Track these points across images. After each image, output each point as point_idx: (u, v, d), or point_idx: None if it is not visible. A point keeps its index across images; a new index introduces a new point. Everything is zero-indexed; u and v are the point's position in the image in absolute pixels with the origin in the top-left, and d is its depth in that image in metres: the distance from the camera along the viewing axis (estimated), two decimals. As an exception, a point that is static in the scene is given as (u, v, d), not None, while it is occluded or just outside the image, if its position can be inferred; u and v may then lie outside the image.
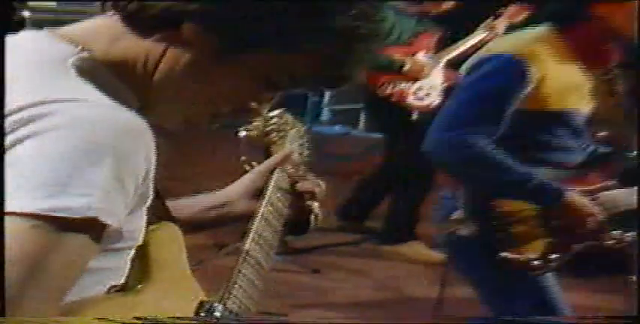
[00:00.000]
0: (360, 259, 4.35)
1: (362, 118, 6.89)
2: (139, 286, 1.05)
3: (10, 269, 0.84)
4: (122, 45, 1.03)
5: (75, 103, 0.92)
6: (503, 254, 2.27)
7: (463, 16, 4.33)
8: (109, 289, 1.02)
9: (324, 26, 1.02)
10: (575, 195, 2.28)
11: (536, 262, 2.28)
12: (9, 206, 0.85)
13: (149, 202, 0.99)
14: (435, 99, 4.29)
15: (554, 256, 2.30)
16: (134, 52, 1.03)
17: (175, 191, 1.36)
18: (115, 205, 0.91)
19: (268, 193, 1.37)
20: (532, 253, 2.29)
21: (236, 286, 1.19)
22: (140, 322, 0.90)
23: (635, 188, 2.37)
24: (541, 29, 2.35)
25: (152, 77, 1.03)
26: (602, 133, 2.49)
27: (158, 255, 1.07)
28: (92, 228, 0.89)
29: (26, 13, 5.50)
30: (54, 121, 0.89)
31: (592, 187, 2.34)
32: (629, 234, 2.36)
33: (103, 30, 1.04)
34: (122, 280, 1.04)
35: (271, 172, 1.42)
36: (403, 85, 4.26)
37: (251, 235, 1.27)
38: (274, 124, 1.50)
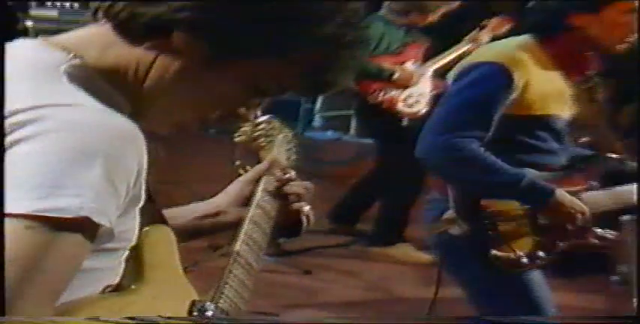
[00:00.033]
0: (351, 261, 4.35)
1: (353, 124, 6.89)
2: (133, 287, 1.05)
3: (7, 269, 0.84)
4: (114, 53, 1.03)
5: (67, 107, 0.92)
6: (494, 252, 2.28)
7: (449, 28, 4.36)
8: (104, 289, 1.02)
9: (310, 33, 1.02)
10: (564, 194, 2.29)
11: (524, 260, 2.29)
12: (5, 207, 0.85)
13: (141, 204, 0.99)
14: (423, 106, 4.31)
15: (541, 254, 2.31)
16: (125, 59, 1.03)
17: (170, 195, 1.36)
18: (107, 206, 0.91)
19: (257, 196, 1.37)
20: (520, 251, 2.30)
21: (227, 286, 1.19)
22: (134, 322, 0.90)
23: (616, 189, 2.39)
24: (524, 38, 2.37)
25: (143, 84, 1.03)
26: (584, 139, 2.50)
27: (151, 256, 1.06)
28: (85, 228, 0.89)
29: (29, 23, 5.50)
30: (46, 125, 0.89)
31: (576, 188, 2.35)
32: (611, 233, 2.37)
33: (95, 38, 1.04)
34: (116, 281, 1.03)
35: (258, 178, 1.42)
36: (393, 92, 4.27)
37: (241, 237, 1.28)
38: (262, 129, 1.50)
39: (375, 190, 4.61)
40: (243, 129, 1.48)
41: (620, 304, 3.16)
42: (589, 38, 2.30)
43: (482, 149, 2.24)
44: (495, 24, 4.27)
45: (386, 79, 4.23)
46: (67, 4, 5.51)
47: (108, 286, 1.02)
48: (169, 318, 1.00)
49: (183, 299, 1.13)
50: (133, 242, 1.03)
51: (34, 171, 0.87)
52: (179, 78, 1.03)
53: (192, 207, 1.42)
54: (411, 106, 4.30)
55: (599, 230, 2.35)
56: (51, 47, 1.03)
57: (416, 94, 4.32)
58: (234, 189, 1.43)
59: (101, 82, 1.01)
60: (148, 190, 1.00)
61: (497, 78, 2.25)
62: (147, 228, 1.05)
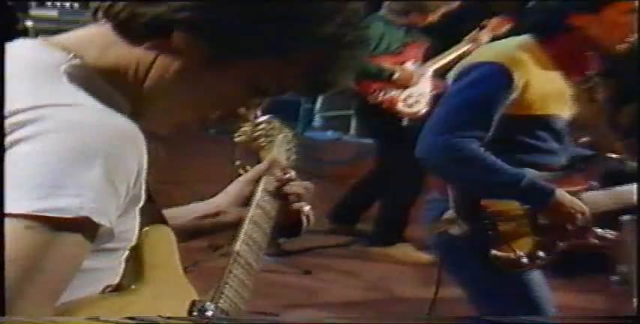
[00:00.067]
0: (350, 261, 4.35)
1: (353, 124, 6.89)
2: (133, 287, 1.04)
3: (7, 269, 0.84)
4: (114, 53, 1.03)
5: (67, 107, 0.92)
6: (494, 252, 2.28)
7: (449, 28, 4.36)
8: (104, 289, 1.02)
9: (310, 33, 1.02)
10: (564, 194, 2.29)
11: (524, 260, 2.29)
12: (6, 207, 0.85)
13: (141, 204, 0.99)
14: (423, 106, 4.31)
15: (541, 253, 2.31)
16: (125, 59, 1.03)
17: (170, 195, 1.36)
18: (107, 206, 0.91)
19: (257, 196, 1.37)
20: (520, 251, 2.30)
21: (227, 285, 1.19)
22: (134, 322, 0.90)
23: (616, 189, 2.39)
24: (523, 38, 2.37)
25: (143, 84, 1.03)
26: (584, 139, 2.50)
27: (151, 256, 1.06)
28: (85, 227, 0.89)
29: (29, 23, 5.50)
30: (46, 125, 0.89)
31: (576, 188, 2.35)
32: (611, 233, 2.37)
33: (95, 38, 1.04)
34: (116, 281, 1.03)
35: (258, 178, 1.42)
36: (393, 92, 4.27)
37: (241, 237, 1.28)
38: (262, 129, 1.51)
39: (375, 190, 4.61)
40: (243, 129, 1.49)
41: (620, 304, 3.16)
42: (589, 38, 2.31)
43: (482, 149, 2.24)
44: (495, 24, 4.27)
45: (386, 79, 4.23)
46: (67, 4, 5.51)
47: (108, 286, 1.02)
48: (169, 318, 1.00)
49: (183, 299, 1.13)
50: (133, 242, 1.03)
51: (34, 171, 0.87)
52: (179, 78, 1.03)
53: (192, 207, 1.42)
54: (410, 106, 4.30)
55: (599, 230, 2.35)
56: (51, 47, 1.03)
57: (416, 94, 4.32)
58: (234, 189, 1.43)
59: (101, 82, 1.01)
60: (147, 190, 1.00)
61: (497, 78, 2.25)
62: (147, 228, 1.05)
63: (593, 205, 2.34)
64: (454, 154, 2.24)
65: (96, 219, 0.89)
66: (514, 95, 2.26)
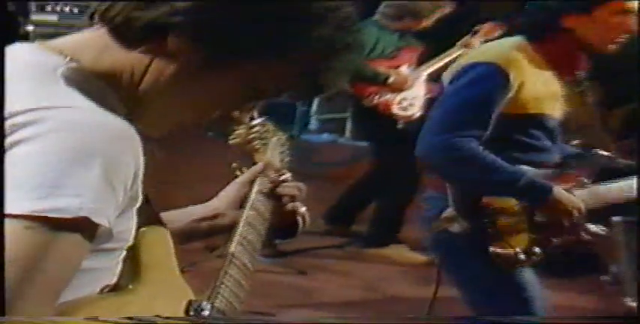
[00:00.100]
0: (346, 261, 4.35)
1: (348, 126, 6.90)
2: (130, 286, 1.04)
3: (7, 269, 0.83)
4: (109, 56, 1.03)
5: (65, 109, 0.92)
6: (493, 249, 2.28)
7: (442, 33, 4.37)
8: (102, 289, 1.02)
9: (303, 37, 1.02)
10: (561, 191, 2.30)
11: (522, 256, 2.30)
12: (5, 208, 0.85)
13: (138, 205, 0.99)
14: (417, 109, 4.32)
15: (537, 250, 2.31)
16: (121, 63, 1.03)
17: (169, 195, 1.36)
18: (106, 206, 0.91)
19: (251, 198, 1.38)
20: (518, 247, 2.30)
21: (223, 286, 1.19)
22: (132, 322, 0.90)
23: (607, 185, 2.39)
24: (517, 39, 2.37)
25: (138, 87, 1.04)
26: (576, 141, 2.50)
27: (148, 256, 1.06)
28: (84, 228, 0.89)
29: (30, 28, 5.49)
30: (45, 126, 0.89)
31: (568, 185, 2.36)
32: (602, 228, 2.38)
33: (92, 42, 1.05)
34: (114, 281, 1.03)
35: (253, 179, 1.42)
36: (388, 96, 4.28)
37: (236, 238, 1.28)
38: (257, 132, 1.51)
39: (370, 191, 4.61)
40: (237, 132, 1.49)
41: (611, 304, 3.16)
42: (581, 39, 2.31)
43: (481, 148, 2.25)
44: (487, 29, 4.28)
45: (381, 82, 4.23)
46: (67, 9, 5.50)
47: (106, 286, 1.02)
48: (167, 318, 1.00)
49: (180, 299, 1.13)
50: (130, 243, 1.03)
51: (33, 171, 0.87)
52: (174, 81, 1.03)
53: (189, 210, 1.42)
54: (405, 109, 4.31)
55: (591, 226, 2.36)
56: (48, 51, 1.03)
57: (410, 98, 4.33)
58: (230, 191, 1.43)
59: (97, 85, 1.01)
60: (144, 192, 1.00)
61: (494, 78, 2.26)
62: (143, 229, 1.05)
63: (586, 201, 2.35)
64: (454, 153, 2.24)
65: (95, 219, 0.89)
66: (510, 95, 2.27)
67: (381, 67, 4.27)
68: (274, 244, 3.89)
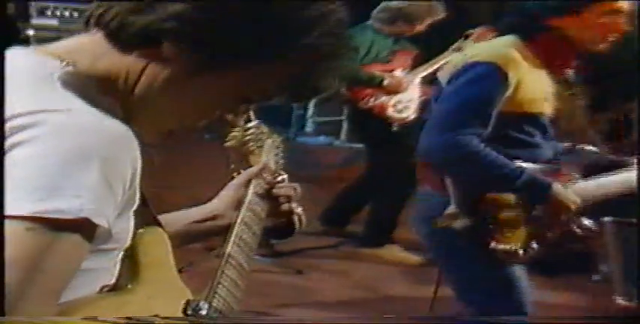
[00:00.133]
0: (341, 261, 4.35)
1: (344, 129, 6.90)
2: (129, 286, 1.05)
3: (9, 271, 0.83)
4: (105, 61, 1.03)
5: (62, 112, 0.92)
6: (493, 245, 2.29)
7: (435, 38, 4.38)
8: (101, 288, 1.02)
9: (296, 43, 1.02)
10: (559, 187, 2.30)
11: (521, 251, 2.31)
12: (5, 210, 0.85)
13: (135, 206, 0.99)
14: (412, 112, 4.32)
15: (534, 244, 2.32)
16: (116, 67, 1.03)
17: (167, 198, 1.36)
18: (105, 207, 0.91)
19: (247, 199, 1.38)
20: (517, 242, 2.31)
21: (220, 285, 1.19)
22: (131, 322, 0.90)
23: (596, 181, 2.40)
24: (511, 38, 2.38)
25: (133, 91, 1.04)
26: (567, 144, 2.51)
27: (146, 257, 1.06)
28: (84, 228, 0.89)
29: (31, 32, 5.48)
30: (43, 129, 0.89)
31: (560, 180, 2.37)
32: (593, 223, 2.39)
33: (87, 47, 1.05)
34: (112, 281, 1.03)
35: (249, 181, 1.43)
36: (383, 98, 4.29)
37: (232, 239, 1.28)
38: (252, 134, 1.51)
39: (365, 193, 4.62)
40: (233, 134, 1.50)
41: (602, 302, 3.17)
42: (571, 38, 2.32)
43: (483, 145, 2.25)
44: (479, 34, 4.29)
45: (376, 85, 4.24)
46: (67, 13, 5.50)
47: (105, 286, 1.03)
48: (166, 318, 1.00)
49: (178, 299, 1.13)
50: (128, 243, 1.03)
51: (33, 173, 0.87)
52: (168, 86, 1.03)
53: (188, 212, 1.42)
54: (400, 111, 4.31)
55: (585, 220, 2.37)
56: (45, 55, 1.03)
57: (405, 100, 4.33)
58: (228, 193, 1.44)
59: (93, 88, 1.01)
60: (141, 194, 1.00)
61: (493, 77, 2.27)
62: (141, 230, 1.05)
63: (578, 196, 2.36)
64: (457, 151, 2.25)
65: (95, 220, 0.89)
66: (508, 94, 2.28)
67: (376, 71, 4.27)
68: (271, 244, 3.89)
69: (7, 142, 0.88)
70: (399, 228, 4.34)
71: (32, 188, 0.86)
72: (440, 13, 4.37)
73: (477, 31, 4.26)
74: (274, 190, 1.44)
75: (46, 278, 0.86)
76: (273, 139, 1.57)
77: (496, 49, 2.37)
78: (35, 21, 5.52)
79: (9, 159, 0.87)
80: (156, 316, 1.01)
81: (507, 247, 2.30)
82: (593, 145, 2.53)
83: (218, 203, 1.42)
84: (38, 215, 0.85)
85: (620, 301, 2.88)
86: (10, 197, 0.85)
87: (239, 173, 1.47)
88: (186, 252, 1.36)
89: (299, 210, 1.46)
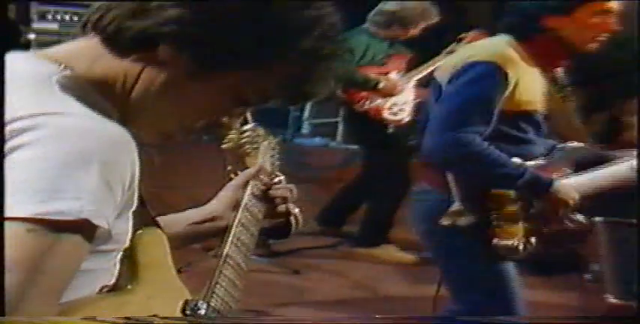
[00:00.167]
0: (337, 261, 4.34)
1: (340, 131, 6.91)
2: (129, 287, 1.04)
3: (10, 272, 0.83)
4: (102, 64, 1.03)
5: (61, 115, 0.92)
6: (495, 241, 2.29)
7: (429, 41, 4.38)
8: (101, 289, 1.02)
9: (290, 46, 1.02)
10: (560, 183, 2.31)
11: (520, 247, 2.31)
12: (6, 212, 0.84)
13: (134, 207, 0.99)
14: (407, 114, 4.33)
15: (533, 240, 2.32)
16: (113, 71, 1.03)
17: (166, 199, 1.36)
18: (105, 208, 0.91)
19: (244, 200, 1.38)
20: (517, 237, 2.31)
21: (218, 285, 1.19)
22: (130, 322, 0.90)
23: (588, 175, 2.40)
24: (507, 38, 2.38)
25: (130, 95, 1.04)
26: (561, 145, 2.51)
27: (145, 257, 1.06)
28: (84, 229, 0.89)
29: (32, 36, 5.48)
30: (42, 132, 0.89)
31: (554, 176, 2.37)
32: (584, 217, 2.39)
33: (85, 51, 1.04)
34: (112, 281, 1.03)
35: (247, 182, 1.42)
36: (378, 101, 4.29)
37: (230, 240, 1.28)
38: (248, 136, 1.52)
39: (361, 194, 4.62)
40: (229, 136, 1.50)
41: (593, 302, 3.17)
42: (563, 38, 2.32)
43: (485, 143, 2.26)
44: (472, 37, 4.29)
45: (371, 88, 4.24)
46: (67, 17, 5.49)
47: (105, 287, 1.02)
48: (165, 318, 1.00)
49: (177, 299, 1.13)
50: (127, 244, 1.03)
51: (33, 176, 0.87)
52: (165, 89, 1.03)
53: (186, 214, 1.42)
54: (395, 114, 4.32)
55: (578, 216, 2.37)
56: (43, 59, 1.03)
57: (400, 103, 4.33)
58: (226, 194, 1.43)
59: (91, 92, 1.01)
60: (140, 195, 1.00)
61: (493, 77, 2.27)
62: (140, 231, 1.05)
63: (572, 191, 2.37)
64: (461, 149, 2.25)
65: (95, 221, 0.89)
66: (507, 93, 2.28)
67: (372, 74, 4.28)
68: (268, 244, 3.89)
69: (8, 145, 0.88)
70: (395, 228, 4.34)
71: (33, 190, 0.86)
72: (434, 17, 4.37)
73: (470, 35, 4.26)
74: (271, 192, 1.44)
75: (47, 279, 0.86)
76: (269, 141, 1.58)
77: (495, 48, 2.37)
78: (36, 25, 5.51)
79: (9, 162, 0.87)
80: (155, 316, 1.01)
81: (509, 243, 2.30)
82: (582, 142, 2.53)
83: (217, 204, 1.42)
84: (39, 217, 0.85)
85: (612, 300, 2.88)
86: (10, 199, 0.85)
87: (236, 175, 1.47)
88: (185, 252, 1.36)
89: (296, 211, 1.47)
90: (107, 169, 0.90)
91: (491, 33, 2.56)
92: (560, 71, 2.47)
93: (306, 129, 7.33)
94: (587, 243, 2.74)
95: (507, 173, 2.28)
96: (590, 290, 3.40)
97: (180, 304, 1.12)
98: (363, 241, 4.45)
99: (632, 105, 3.76)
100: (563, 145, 2.49)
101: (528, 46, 2.34)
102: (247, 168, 1.48)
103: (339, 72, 1.08)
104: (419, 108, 4.05)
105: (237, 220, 1.33)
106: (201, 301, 1.14)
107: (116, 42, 1.02)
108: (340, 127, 6.77)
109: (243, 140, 1.51)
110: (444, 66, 2.50)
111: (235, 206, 1.39)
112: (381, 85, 4.24)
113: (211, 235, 1.40)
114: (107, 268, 1.02)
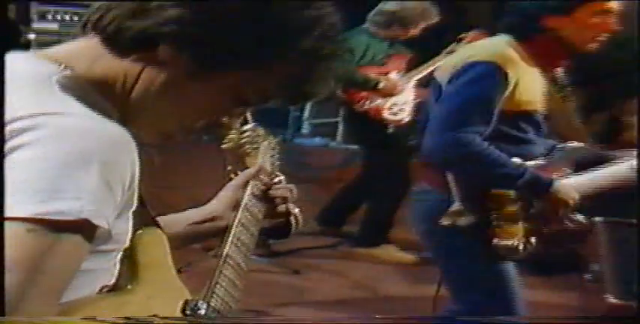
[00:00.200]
0: (337, 261, 4.34)
1: (340, 131, 6.91)
2: (129, 287, 1.05)
3: (10, 272, 0.83)
4: (102, 64, 1.03)
5: (61, 115, 0.92)
6: (495, 241, 2.29)
7: (429, 41, 4.38)
8: (101, 289, 1.02)
9: (290, 46, 1.02)
10: (560, 183, 2.31)
11: (521, 247, 2.31)
12: (5, 212, 0.84)
13: (134, 208, 0.99)
14: (407, 114, 4.33)
15: (533, 240, 2.32)
16: (113, 71, 1.03)
17: (166, 199, 1.36)
18: (105, 208, 0.91)
19: (244, 200, 1.38)
20: (517, 237, 2.31)
21: (218, 285, 1.19)
22: (130, 322, 0.90)
23: (588, 175, 2.40)
24: (507, 38, 2.38)
25: (130, 95, 1.03)
26: (561, 145, 2.51)
27: (145, 257, 1.06)
28: (84, 229, 0.89)
29: (32, 36, 5.48)
30: (42, 132, 0.89)
31: (554, 176, 2.37)
32: (583, 217, 2.39)
33: (85, 51, 1.04)
34: (112, 281, 1.03)
35: (247, 182, 1.42)
36: (378, 101, 4.29)
37: (230, 239, 1.28)
38: (248, 136, 1.52)
39: (361, 194, 4.62)
40: (230, 136, 1.50)
41: (593, 302, 3.17)
42: (563, 38, 2.32)
43: (486, 143, 2.26)
44: (472, 37, 4.30)
45: (371, 88, 4.24)
46: (67, 17, 5.49)
47: (105, 287, 1.02)
48: (165, 318, 1.00)
49: (177, 299, 1.13)
50: (127, 244, 1.03)
51: (34, 176, 0.87)
52: (164, 89, 1.03)
53: (187, 214, 1.42)
54: (395, 114, 4.32)
55: (578, 216, 2.37)
56: (43, 59, 1.03)
57: (400, 103, 4.33)
58: (226, 194, 1.43)
59: (91, 92, 1.01)
60: (140, 195, 1.00)
61: (493, 77, 2.27)
62: (140, 231, 1.05)
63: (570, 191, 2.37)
64: (461, 149, 2.25)
65: (95, 221, 0.89)
66: (506, 92, 2.28)
67: (372, 74, 4.28)
68: (268, 244, 3.89)
69: (8, 145, 0.88)
70: (395, 228, 4.34)
71: (33, 190, 0.86)
72: (434, 17, 4.37)
73: (470, 35, 4.26)
74: (271, 192, 1.44)
75: (47, 279, 0.86)
76: (270, 141, 1.58)
77: (495, 48, 2.37)
78: (36, 25, 5.51)
79: (9, 162, 0.87)
80: (155, 316, 1.01)
81: (509, 242, 2.30)
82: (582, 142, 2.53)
83: (217, 204, 1.42)
84: (39, 217, 0.85)
85: (612, 300, 2.88)
86: (10, 199, 0.85)
87: (236, 175, 1.47)
88: (185, 252, 1.36)
89: (296, 211, 1.47)
90: (107, 169, 0.90)
91: (492, 33, 2.56)
92: (560, 71, 2.47)
93: (306, 129, 7.34)
94: (587, 243, 2.74)
95: (507, 173, 2.29)
96: (590, 290, 3.40)
97: (180, 304, 1.12)
98: (363, 241, 4.45)
99: (632, 105, 3.76)
100: (563, 145, 2.49)
101: (528, 46, 2.34)
102: (247, 168, 1.48)
103: (339, 72, 1.08)
104: (419, 108, 4.05)
105: (237, 220, 1.33)
106: (201, 301, 1.14)
107: (116, 42, 1.02)
108: (340, 127, 6.78)
109: (243, 140, 1.51)
110: (444, 66, 2.50)
111: (235, 206, 1.39)
112: (381, 85, 4.24)
113: (211, 235, 1.40)
114: (107, 268, 1.02)
